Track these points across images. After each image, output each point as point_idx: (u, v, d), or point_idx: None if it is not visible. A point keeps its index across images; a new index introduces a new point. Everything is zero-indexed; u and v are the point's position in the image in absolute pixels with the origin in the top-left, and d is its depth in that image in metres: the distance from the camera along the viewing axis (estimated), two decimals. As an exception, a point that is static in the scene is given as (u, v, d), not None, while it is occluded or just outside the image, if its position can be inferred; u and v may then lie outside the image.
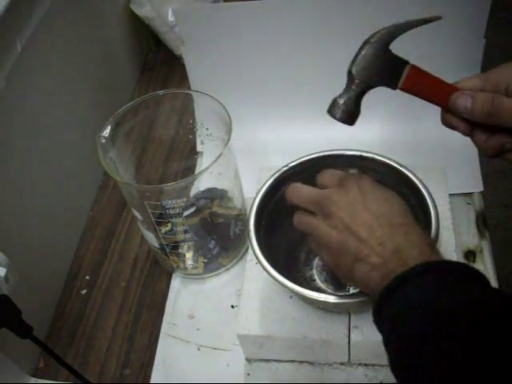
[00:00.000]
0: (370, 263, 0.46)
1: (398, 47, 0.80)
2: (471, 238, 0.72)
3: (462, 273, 0.41)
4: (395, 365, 0.40)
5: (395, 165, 0.64)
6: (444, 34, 0.76)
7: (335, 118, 0.51)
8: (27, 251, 0.70)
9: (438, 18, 0.50)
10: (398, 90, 0.51)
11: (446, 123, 0.51)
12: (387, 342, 0.42)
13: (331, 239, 0.49)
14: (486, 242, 0.72)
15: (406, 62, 0.49)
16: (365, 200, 0.49)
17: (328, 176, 0.54)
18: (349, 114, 0.51)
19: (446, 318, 0.38)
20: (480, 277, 0.41)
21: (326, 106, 0.68)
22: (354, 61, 0.50)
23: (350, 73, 0.50)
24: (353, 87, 0.50)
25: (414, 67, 0.49)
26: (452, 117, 0.50)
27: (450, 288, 0.40)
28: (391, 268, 0.44)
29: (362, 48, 0.49)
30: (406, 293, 0.41)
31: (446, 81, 0.50)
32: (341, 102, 0.50)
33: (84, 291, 0.78)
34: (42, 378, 0.70)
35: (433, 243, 0.48)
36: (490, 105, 0.46)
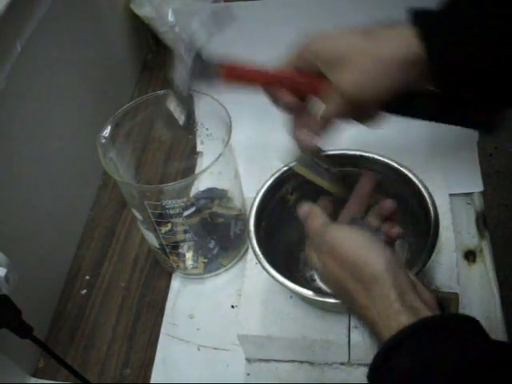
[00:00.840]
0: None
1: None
2: (471, 238, 0.72)
3: (454, 327, 0.39)
4: None
5: (395, 165, 0.64)
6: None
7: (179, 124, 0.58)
8: (27, 251, 0.70)
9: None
10: None
11: (274, 104, 0.57)
12: None
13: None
14: (486, 242, 0.72)
15: (215, 63, 0.56)
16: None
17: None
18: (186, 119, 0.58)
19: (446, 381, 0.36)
20: (474, 325, 0.39)
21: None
22: (175, 79, 0.56)
23: (173, 82, 0.56)
24: (177, 94, 0.57)
25: (223, 65, 0.56)
26: (281, 96, 0.56)
27: (445, 348, 0.37)
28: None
29: (177, 66, 0.56)
30: (398, 361, 0.38)
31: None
32: (176, 115, 0.58)
33: (84, 291, 0.78)
34: (41, 378, 0.70)
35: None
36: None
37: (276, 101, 0.57)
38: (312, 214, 0.53)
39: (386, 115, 0.57)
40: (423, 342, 0.38)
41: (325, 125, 0.56)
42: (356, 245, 0.46)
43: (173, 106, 0.57)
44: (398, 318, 0.40)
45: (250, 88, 0.57)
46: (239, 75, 0.56)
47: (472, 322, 0.40)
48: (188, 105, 0.57)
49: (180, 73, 0.55)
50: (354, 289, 0.44)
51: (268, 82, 0.56)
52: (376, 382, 0.40)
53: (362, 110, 0.55)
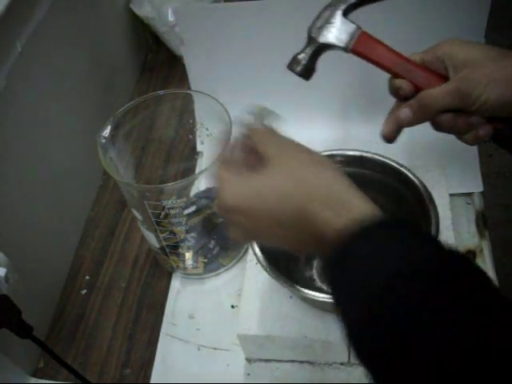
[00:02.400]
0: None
1: (399, 45, 0.80)
2: (471, 238, 0.72)
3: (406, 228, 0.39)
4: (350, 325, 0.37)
5: (395, 165, 0.64)
6: (444, 34, 0.76)
7: (294, 72, 0.57)
8: (27, 251, 0.70)
9: None
10: None
11: (391, 90, 0.56)
12: (336, 302, 0.39)
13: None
14: (486, 242, 0.72)
15: (358, 28, 0.55)
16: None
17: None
18: (306, 70, 0.57)
19: (403, 274, 0.35)
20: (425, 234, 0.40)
21: (326, 106, 0.69)
22: (313, 22, 0.56)
23: (308, 32, 0.56)
24: (310, 46, 0.56)
25: (364, 32, 0.55)
26: (397, 83, 0.54)
27: (402, 245, 0.37)
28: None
29: (321, 11, 0.56)
30: (357, 251, 0.38)
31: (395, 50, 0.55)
32: (299, 57, 0.57)
33: (84, 291, 0.78)
34: (42, 378, 0.70)
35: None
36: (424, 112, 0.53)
37: (397, 88, 0.55)
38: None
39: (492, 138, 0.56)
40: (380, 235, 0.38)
41: (422, 112, 0.54)
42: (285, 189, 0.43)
43: (303, 52, 0.57)
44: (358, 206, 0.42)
45: (376, 65, 0.56)
46: (373, 48, 0.55)
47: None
48: (314, 53, 0.57)
49: (319, 20, 0.55)
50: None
51: (396, 67, 0.55)
52: (335, 268, 0.39)
53: (469, 120, 0.53)
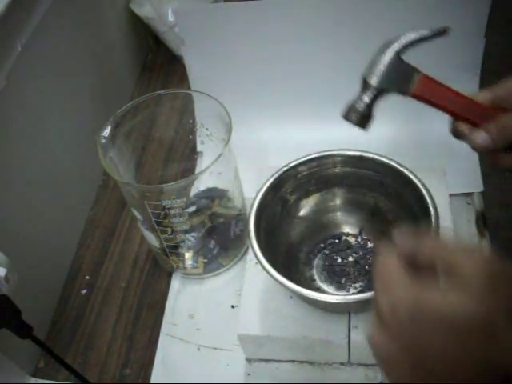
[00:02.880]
0: None
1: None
2: (471, 238, 0.72)
3: None
4: None
5: (395, 165, 0.64)
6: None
7: (350, 122, 0.53)
8: (27, 251, 0.70)
9: (446, 30, 0.52)
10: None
11: (455, 133, 0.52)
12: None
13: None
14: (486, 242, 0.72)
15: (417, 71, 0.51)
16: None
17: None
18: (364, 119, 0.53)
19: None
20: None
21: (326, 106, 0.68)
22: (368, 67, 0.52)
23: (364, 79, 0.52)
24: (367, 93, 0.52)
25: (424, 75, 0.51)
26: (461, 125, 0.51)
27: None
28: None
29: (376, 56, 0.52)
30: None
31: (455, 89, 0.52)
32: (356, 106, 0.52)
33: (84, 291, 0.78)
34: (42, 378, 0.70)
35: None
36: (504, 135, 0.48)
37: (461, 132, 0.51)
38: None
39: None
40: None
41: (502, 136, 0.50)
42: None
43: (358, 97, 0.53)
44: None
45: (437, 108, 0.52)
46: (434, 91, 0.51)
47: None
48: (371, 101, 0.52)
49: (375, 64, 0.51)
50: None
51: (460, 110, 0.51)
52: None
53: None
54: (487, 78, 0.81)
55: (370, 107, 0.52)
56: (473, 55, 0.77)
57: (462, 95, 0.51)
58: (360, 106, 0.52)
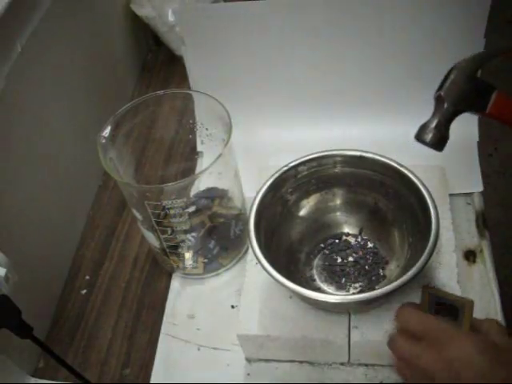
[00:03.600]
0: None
1: (399, 49, 0.80)
2: (471, 238, 0.72)
3: None
4: None
5: (395, 165, 0.64)
6: (444, 34, 0.76)
7: (425, 143, 0.52)
8: (27, 251, 0.70)
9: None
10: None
11: None
12: None
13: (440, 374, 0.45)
14: (486, 242, 0.72)
15: (493, 88, 0.50)
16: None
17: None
18: (440, 139, 0.52)
19: None
20: None
21: (327, 106, 0.68)
22: (442, 86, 0.51)
23: (439, 97, 0.51)
24: (442, 112, 0.51)
25: (501, 93, 0.50)
26: None
27: None
28: None
29: (449, 73, 0.50)
30: None
31: None
32: (431, 126, 0.51)
33: (84, 291, 0.78)
34: (41, 378, 0.70)
35: None
36: None
37: None
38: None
39: None
40: None
41: None
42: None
43: (434, 119, 0.51)
44: None
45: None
46: (509, 111, 0.51)
47: None
48: (447, 120, 0.51)
49: (452, 83, 0.50)
50: None
51: None
52: None
53: None
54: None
55: (445, 127, 0.51)
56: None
57: None
58: (435, 126, 0.51)
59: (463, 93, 0.50)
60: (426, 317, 0.50)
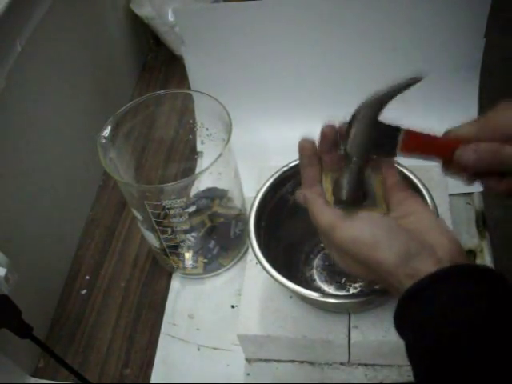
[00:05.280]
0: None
1: (399, 48, 0.81)
2: (471, 238, 0.72)
3: (479, 277, 0.40)
4: (418, 374, 0.39)
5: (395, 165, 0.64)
6: (444, 34, 0.76)
7: (342, 201, 0.50)
8: (27, 251, 0.70)
9: (418, 80, 0.50)
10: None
11: (448, 175, 0.51)
12: (409, 351, 0.41)
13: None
14: (486, 242, 0.72)
15: (398, 129, 0.49)
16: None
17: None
18: (354, 194, 0.50)
19: (467, 329, 0.37)
20: (498, 278, 0.40)
21: (326, 106, 0.67)
22: (346, 139, 0.49)
23: (345, 152, 0.49)
24: (351, 165, 0.49)
25: (407, 132, 0.49)
26: (453, 169, 0.50)
27: (469, 296, 0.39)
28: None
29: (351, 125, 0.49)
30: (423, 303, 0.40)
31: (438, 134, 0.50)
32: (344, 183, 0.50)
33: (84, 291, 0.78)
34: (41, 377, 0.70)
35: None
36: (493, 157, 0.47)
37: (451, 173, 0.51)
38: (315, 208, 0.49)
39: None
40: (451, 285, 0.39)
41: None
42: (364, 245, 0.45)
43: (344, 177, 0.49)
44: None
45: (426, 159, 0.51)
46: (420, 146, 0.50)
47: (499, 275, 0.40)
48: (357, 174, 0.49)
49: (355, 136, 0.48)
50: (372, 276, 0.45)
51: (447, 155, 0.50)
52: (404, 322, 0.41)
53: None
54: (487, 78, 0.81)
55: (357, 180, 0.50)
56: (473, 55, 0.77)
57: (448, 140, 0.49)
58: (348, 182, 0.50)
59: (367, 142, 0.49)
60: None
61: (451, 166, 0.50)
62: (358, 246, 0.45)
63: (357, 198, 0.50)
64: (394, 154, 0.49)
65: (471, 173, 0.49)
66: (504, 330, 0.36)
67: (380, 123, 0.49)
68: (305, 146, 0.51)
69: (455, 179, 0.51)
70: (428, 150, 0.50)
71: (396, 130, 0.49)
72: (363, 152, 0.49)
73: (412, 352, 0.40)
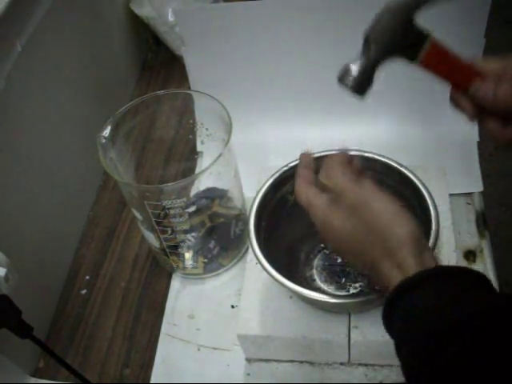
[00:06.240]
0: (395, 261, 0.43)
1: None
2: (471, 238, 0.72)
3: (464, 277, 0.41)
4: (407, 372, 0.40)
5: (395, 165, 0.64)
6: (444, 34, 0.76)
7: (346, 87, 0.47)
8: (27, 251, 0.70)
9: None
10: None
11: (454, 103, 0.49)
12: (398, 350, 0.41)
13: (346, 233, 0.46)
14: (486, 242, 0.72)
15: (427, 36, 0.46)
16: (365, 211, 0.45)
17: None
18: (362, 84, 0.47)
19: (454, 328, 0.37)
20: (481, 278, 0.41)
21: (326, 106, 0.67)
22: (372, 26, 0.46)
23: (366, 39, 0.46)
24: (369, 54, 0.46)
25: (434, 43, 0.46)
26: (462, 98, 0.48)
27: (455, 295, 0.39)
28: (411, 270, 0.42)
29: (381, 13, 0.45)
30: (410, 303, 0.40)
31: (464, 59, 0.47)
32: (354, 69, 0.46)
33: (84, 291, 0.78)
34: (41, 377, 0.70)
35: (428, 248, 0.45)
36: (510, 102, 0.45)
37: (458, 103, 0.50)
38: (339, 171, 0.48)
39: None
40: (442, 284, 0.40)
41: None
42: (386, 211, 0.44)
43: (356, 64, 0.46)
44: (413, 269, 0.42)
45: (441, 79, 0.48)
46: (441, 63, 0.47)
47: (484, 278, 0.41)
48: (372, 64, 0.46)
49: (382, 25, 0.45)
50: (373, 247, 0.44)
51: (464, 83, 0.47)
52: (392, 317, 0.41)
53: None
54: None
55: (370, 71, 0.46)
56: (473, 55, 0.77)
57: (471, 69, 0.47)
58: (359, 70, 0.46)
59: (393, 35, 0.45)
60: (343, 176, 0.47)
61: (462, 96, 0.47)
62: (379, 207, 0.44)
63: (360, 89, 0.47)
64: (413, 61, 0.46)
65: (479, 110, 0.47)
66: (492, 329, 0.36)
67: (411, 23, 0.45)
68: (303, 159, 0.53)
69: (458, 112, 0.48)
70: (447, 71, 0.47)
71: (425, 36, 0.46)
72: (385, 43, 0.46)
73: (402, 350, 0.40)
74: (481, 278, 0.41)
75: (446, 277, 0.40)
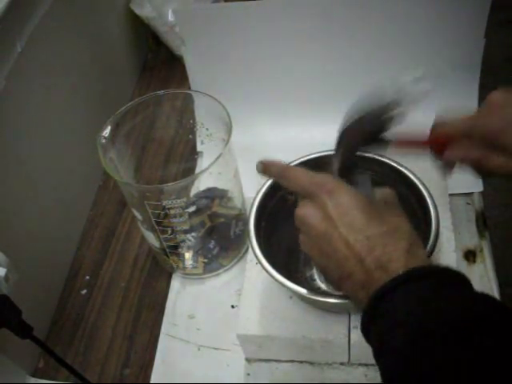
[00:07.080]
0: (356, 281, 0.44)
1: (399, 48, 0.80)
2: (471, 238, 0.72)
3: (442, 278, 0.40)
4: (386, 379, 0.39)
5: (395, 165, 0.64)
6: (444, 34, 0.76)
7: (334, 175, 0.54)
8: (27, 251, 0.70)
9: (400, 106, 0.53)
10: None
11: (436, 162, 0.57)
12: (377, 357, 0.41)
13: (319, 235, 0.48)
14: (486, 242, 0.72)
15: (388, 141, 0.54)
16: (339, 216, 0.46)
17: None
18: (345, 173, 0.53)
19: (432, 332, 0.36)
20: (460, 278, 0.41)
21: (326, 106, 0.67)
22: (341, 129, 0.53)
23: (338, 139, 0.54)
24: (342, 152, 0.54)
25: (398, 140, 0.54)
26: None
27: (433, 297, 0.39)
28: (375, 284, 0.42)
29: (351, 118, 0.53)
30: (387, 308, 0.40)
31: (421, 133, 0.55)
32: (335, 161, 0.54)
33: (84, 291, 0.78)
34: (41, 377, 0.70)
35: (410, 247, 0.44)
36: (478, 166, 0.54)
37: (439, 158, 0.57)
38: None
39: None
40: (420, 287, 0.39)
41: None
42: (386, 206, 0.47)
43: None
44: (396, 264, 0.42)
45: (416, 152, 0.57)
46: (410, 146, 0.56)
47: (464, 278, 0.41)
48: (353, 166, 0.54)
49: (349, 131, 0.52)
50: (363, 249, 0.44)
51: (436, 151, 0.56)
52: (368, 328, 0.41)
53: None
54: (487, 78, 0.81)
55: (348, 162, 0.53)
56: (473, 55, 0.77)
57: (434, 139, 0.55)
58: (337, 165, 0.53)
59: (358, 145, 0.54)
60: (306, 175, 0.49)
61: (440, 157, 0.55)
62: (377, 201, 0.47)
63: (346, 176, 0.53)
64: (384, 149, 0.55)
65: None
66: (477, 330, 0.36)
67: (376, 135, 0.53)
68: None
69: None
70: (417, 150, 0.56)
71: (386, 142, 0.54)
72: (351, 148, 0.53)
73: (382, 354, 0.40)
74: (453, 276, 0.41)
75: (415, 281, 0.40)
